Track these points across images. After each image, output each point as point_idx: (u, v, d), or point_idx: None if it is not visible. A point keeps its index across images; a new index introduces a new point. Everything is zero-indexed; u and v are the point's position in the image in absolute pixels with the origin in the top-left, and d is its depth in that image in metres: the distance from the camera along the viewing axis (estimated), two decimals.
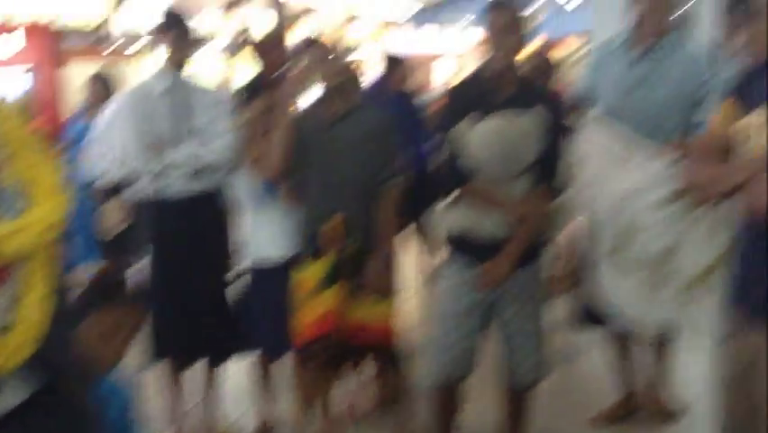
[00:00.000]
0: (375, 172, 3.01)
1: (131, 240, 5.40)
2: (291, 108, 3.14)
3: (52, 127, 7.39)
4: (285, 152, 3.03)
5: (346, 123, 3.02)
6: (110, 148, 5.14)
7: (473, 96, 2.69)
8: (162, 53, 3.30)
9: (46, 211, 1.16)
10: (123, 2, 18.43)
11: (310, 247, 3.06)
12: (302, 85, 3.17)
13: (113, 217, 5.28)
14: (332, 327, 3.00)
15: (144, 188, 3.28)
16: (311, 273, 3.04)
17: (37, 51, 8.18)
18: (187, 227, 3.27)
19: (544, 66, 5.12)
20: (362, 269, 3.01)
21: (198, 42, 3.50)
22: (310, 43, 3.14)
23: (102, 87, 5.62)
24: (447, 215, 2.82)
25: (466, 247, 2.77)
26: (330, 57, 3.03)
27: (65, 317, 1.25)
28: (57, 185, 1.21)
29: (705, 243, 2.35)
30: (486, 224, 2.70)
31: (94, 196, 5.43)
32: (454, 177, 2.73)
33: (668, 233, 2.43)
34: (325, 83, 3.04)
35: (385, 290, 3.06)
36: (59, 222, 1.18)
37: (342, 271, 3.00)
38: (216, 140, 3.26)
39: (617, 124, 3.07)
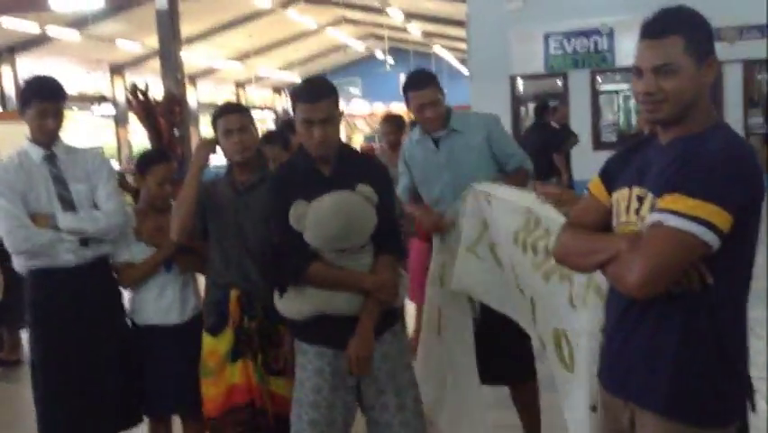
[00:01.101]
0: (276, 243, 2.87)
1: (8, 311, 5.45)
2: (196, 176, 3.13)
3: None
4: (184, 222, 3.05)
5: (252, 194, 3.03)
6: None
7: (299, 176, 2.72)
8: (34, 121, 3.21)
9: None
10: (14, 61, 18.31)
11: (213, 317, 3.08)
12: (210, 153, 3.14)
13: None
14: (243, 399, 3.00)
15: (28, 262, 3.21)
16: (215, 345, 3.05)
17: None
18: (79, 296, 3.21)
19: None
20: (269, 343, 3.01)
21: (68, 110, 3.40)
22: (223, 112, 3.12)
23: None
24: (294, 299, 2.72)
25: (316, 332, 2.69)
26: (240, 127, 3.04)
27: None
28: None
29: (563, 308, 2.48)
30: (337, 302, 2.65)
31: None
32: (296, 257, 2.65)
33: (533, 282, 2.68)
34: (233, 157, 3.06)
35: (287, 368, 3.01)
36: None
37: (249, 345, 3.00)
38: (101, 208, 3.23)
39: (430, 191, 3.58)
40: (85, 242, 3.20)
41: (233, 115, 3.07)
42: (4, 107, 17.71)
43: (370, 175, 2.71)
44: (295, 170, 2.76)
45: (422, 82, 3.46)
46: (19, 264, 3.25)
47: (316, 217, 2.60)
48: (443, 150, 3.52)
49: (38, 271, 3.21)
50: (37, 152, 3.23)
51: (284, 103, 32.58)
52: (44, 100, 3.18)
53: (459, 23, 17.20)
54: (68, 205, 3.20)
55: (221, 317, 3.04)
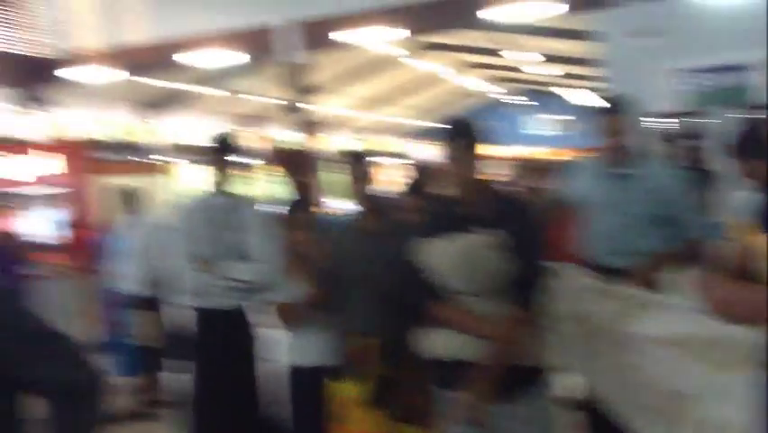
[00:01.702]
0: (410, 293, 2.91)
1: (166, 351, 5.84)
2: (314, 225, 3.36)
3: (87, 241, 8.01)
4: (314, 279, 3.22)
5: (379, 239, 3.12)
6: (143, 262, 5.72)
7: (441, 214, 2.75)
8: (205, 172, 3.64)
9: None
10: (153, 118, 19.68)
11: (345, 363, 3.17)
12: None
13: (147, 328, 5.78)
14: None
15: (185, 301, 3.61)
16: (349, 391, 3.13)
17: (71, 166, 8.93)
18: (226, 335, 3.56)
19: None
20: (402, 393, 3.03)
21: (242, 164, 3.85)
22: (348, 160, 3.21)
23: (129, 201, 6.24)
24: (427, 340, 2.73)
25: (449, 376, 2.66)
26: (364, 175, 3.14)
27: None
28: None
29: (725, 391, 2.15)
30: (454, 345, 2.62)
31: (127, 307, 5.96)
32: (420, 293, 2.68)
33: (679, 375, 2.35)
34: (359, 202, 3.19)
35: (428, 414, 2.95)
36: None
37: (382, 393, 3.04)
38: (258, 259, 3.51)
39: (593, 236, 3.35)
40: (239, 289, 3.51)
41: (355, 164, 3.18)
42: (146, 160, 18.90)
43: (510, 218, 2.65)
44: (435, 211, 2.83)
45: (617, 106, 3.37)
46: (184, 301, 3.65)
47: (436, 258, 2.62)
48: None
49: (198, 310, 3.59)
50: (210, 200, 3.60)
51: (415, 150, 33.00)
52: (226, 154, 3.59)
53: (592, 63, 16.90)
54: (229, 253, 3.55)
55: (353, 363, 3.13)
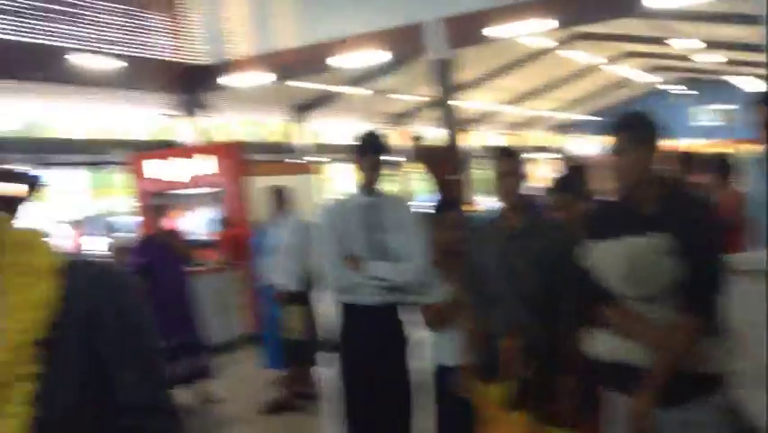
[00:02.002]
0: (553, 292, 2.92)
1: (318, 344, 6.05)
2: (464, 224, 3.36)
3: (240, 238, 8.39)
4: (461, 279, 3.22)
5: (523, 238, 3.05)
6: (294, 258, 5.93)
7: (614, 216, 2.67)
8: (353, 171, 3.67)
9: None
10: (306, 118, 20.37)
11: (489, 364, 3.09)
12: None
13: (297, 322, 5.99)
14: None
15: (335, 298, 3.68)
16: (493, 393, 3.06)
17: (225, 168, 9.37)
18: (375, 331, 3.59)
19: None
20: (547, 395, 2.95)
21: (390, 163, 3.87)
22: (493, 156, 3.17)
23: (280, 199, 6.44)
24: (595, 341, 2.67)
25: (617, 378, 2.60)
26: (508, 171, 3.06)
27: None
28: (33, 324, 1.38)
29: None
30: (621, 349, 2.55)
31: (277, 301, 6.18)
32: (588, 295, 2.63)
33: None
34: (501, 200, 3.12)
35: (576, 418, 2.92)
36: None
37: (527, 395, 2.97)
38: (409, 259, 3.53)
39: None
40: (388, 288, 3.55)
41: (500, 160, 3.11)
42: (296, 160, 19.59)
43: (690, 219, 2.52)
44: (612, 209, 2.73)
45: None
46: (332, 297, 3.72)
47: (602, 261, 2.57)
48: None
49: (345, 305, 3.65)
50: (359, 199, 3.67)
51: (566, 144, 32.22)
52: (375, 153, 3.62)
53: (759, 48, 15.81)
54: (379, 252, 3.59)
55: (494, 365, 3.06)
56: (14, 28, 13.45)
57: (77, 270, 1.47)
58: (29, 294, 1.40)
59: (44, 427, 1.36)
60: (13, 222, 1.51)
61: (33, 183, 6.99)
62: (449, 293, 3.42)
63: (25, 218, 2.35)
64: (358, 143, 3.66)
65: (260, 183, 8.27)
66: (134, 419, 1.48)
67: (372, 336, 3.59)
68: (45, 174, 8.07)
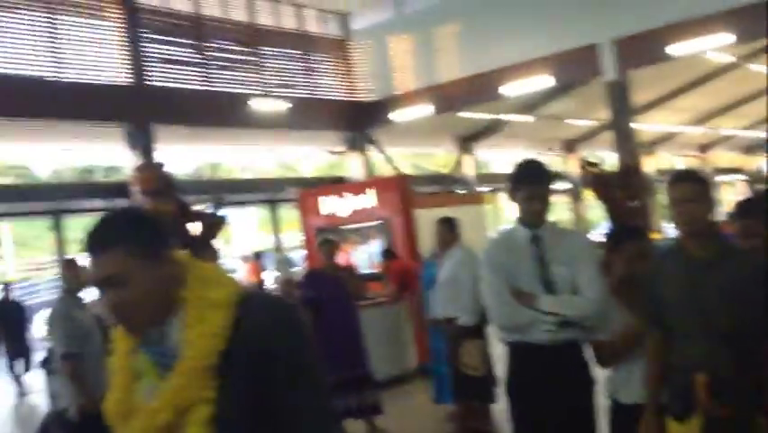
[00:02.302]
0: (750, 326, 2.78)
1: (490, 381, 5.85)
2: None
3: (408, 270, 8.32)
4: (641, 311, 3.07)
5: (712, 268, 2.88)
6: (467, 291, 5.76)
7: None
8: (523, 203, 3.40)
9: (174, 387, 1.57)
10: (472, 148, 20.29)
11: (679, 402, 2.94)
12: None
13: (468, 357, 5.79)
14: None
15: (507, 336, 3.45)
16: (674, 430, 2.94)
17: (392, 200, 9.40)
18: (549, 372, 3.33)
19: None
20: None
21: (561, 191, 3.60)
22: (674, 180, 3.00)
23: (448, 231, 6.33)
24: None
25: None
26: (690, 197, 2.87)
27: None
28: (209, 352, 1.57)
29: None
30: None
31: (448, 334, 6.02)
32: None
33: None
34: (681, 227, 2.95)
35: None
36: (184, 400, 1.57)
37: None
38: (582, 293, 3.31)
39: None
40: (562, 324, 3.29)
41: (682, 184, 2.90)
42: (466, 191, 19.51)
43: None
44: None
45: None
46: (499, 336, 3.53)
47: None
48: None
49: (514, 344, 3.42)
50: (524, 233, 3.44)
51: (756, 165, 30.14)
52: (533, 184, 3.39)
53: None
54: (550, 286, 3.33)
55: (687, 402, 2.87)
56: (200, 79, 14.54)
57: (251, 302, 1.63)
58: (206, 325, 1.59)
59: None
60: (196, 259, 1.70)
61: (216, 222, 7.30)
62: (627, 326, 3.22)
63: (208, 255, 2.37)
64: (512, 174, 3.46)
65: (428, 216, 8.21)
66: None
67: (546, 378, 3.32)
68: (226, 213, 8.43)
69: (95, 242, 1.63)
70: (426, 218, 8.15)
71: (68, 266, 5.22)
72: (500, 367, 4.61)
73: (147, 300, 1.60)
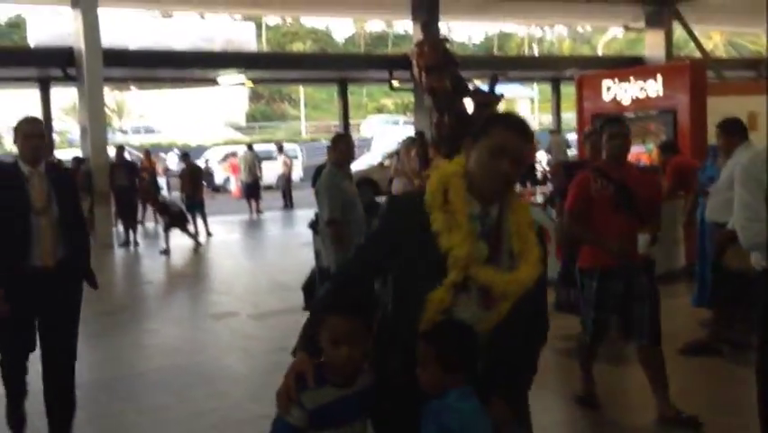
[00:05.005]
0: None
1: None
2: None
3: (688, 167, 8.01)
4: None
5: None
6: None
7: None
8: None
9: (526, 274, 2.18)
10: None
11: None
12: None
13: (736, 260, 5.56)
14: None
15: (759, 257, 3.33)
16: None
17: (681, 86, 8.93)
18: None
19: None
20: None
21: None
22: None
23: (728, 135, 5.90)
24: None
25: None
26: None
27: None
28: (536, 260, 2.20)
29: None
30: None
31: (715, 238, 5.82)
32: None
33: None
34: None
35: None
36: (529, 284, 2.19)
37: None
38: None
39: None
40: None
41: None
42: None
43: None
44: None
45: None
46: (754, 260, 3.37)
47: None
48: None
49: None
50: None
51: None
52: None
53: None
54: None
55: None
56: None
57: None
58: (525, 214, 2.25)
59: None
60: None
61: (492, 100, 7.53)
62: None
63: None
64: None
65: (726, 105, 7.80)
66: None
67: None
68: (502, 90, 8.62)
69: (528, 130, 2.22)
70: (724, 107, 7.69)
71: (338, 140, 5.83)
72: None
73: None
